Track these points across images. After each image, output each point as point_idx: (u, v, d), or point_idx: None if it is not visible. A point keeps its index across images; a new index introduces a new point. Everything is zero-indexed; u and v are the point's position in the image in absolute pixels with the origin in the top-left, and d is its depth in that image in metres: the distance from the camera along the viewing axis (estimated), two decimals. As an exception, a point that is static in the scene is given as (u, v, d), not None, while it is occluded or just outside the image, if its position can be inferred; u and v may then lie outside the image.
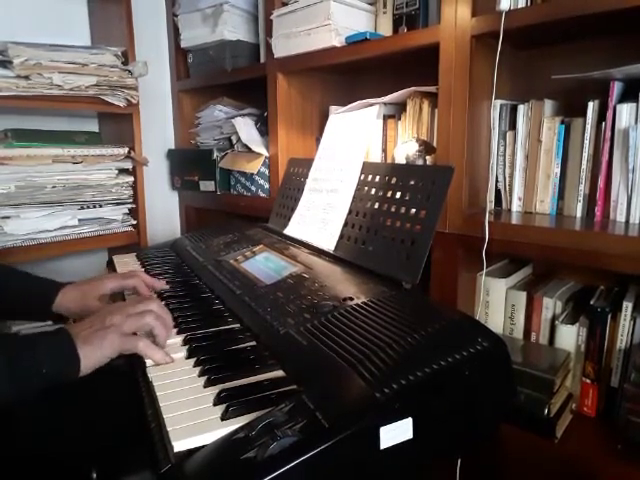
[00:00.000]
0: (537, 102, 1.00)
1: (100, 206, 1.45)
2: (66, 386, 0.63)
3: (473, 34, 0.94)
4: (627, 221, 0.90)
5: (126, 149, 1.46)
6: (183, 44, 1.63)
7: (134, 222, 1.52)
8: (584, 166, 0.95)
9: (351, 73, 1.47)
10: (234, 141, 1.56)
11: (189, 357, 0.67)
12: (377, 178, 0.95)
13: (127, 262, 1.18)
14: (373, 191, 0.95)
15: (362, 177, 1.00)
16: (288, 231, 1.13)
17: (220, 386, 0.59)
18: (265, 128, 1.49)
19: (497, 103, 1.03)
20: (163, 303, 0.84)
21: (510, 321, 1.06)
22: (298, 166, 1.24)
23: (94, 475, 0.69)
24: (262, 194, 1.47)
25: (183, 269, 1.08)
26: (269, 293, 0.81)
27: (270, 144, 1.42)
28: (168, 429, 0.51)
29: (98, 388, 0.86)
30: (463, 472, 0.91)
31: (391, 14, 1.14)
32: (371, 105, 1.15)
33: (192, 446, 0.49)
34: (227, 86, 1.60)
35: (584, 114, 0.93)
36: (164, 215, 1.84)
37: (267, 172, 1.44)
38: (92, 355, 0.65)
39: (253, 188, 1.49)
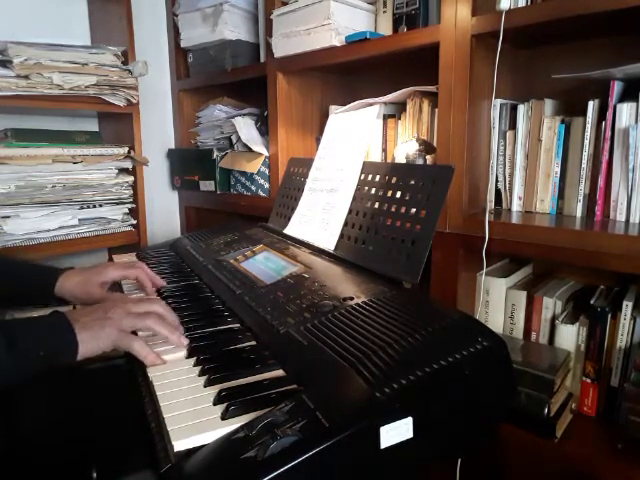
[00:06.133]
0: (537, 102, 1.00)
1: (100, 206, 1.45)
2: (66, 386, 0.63)
3: (473, 34, 0.94)
4: (627, 221, 0.90)
5: (126, 149, 1.46)
6: (183, 44, 1.63)
7: (134, 222, 1.52)
8: (584, 165, 0.95)
9: (351, 73, 1.47)
10: (234, 141, 1.56)
11: (189, 357, 0.67)
12: (377, 178, 0.95)
13: (127, 262, 1.18)
14: (373, 191, 0.95)
15: (362, 177, 1.00)
16: (288, 231, 1.13)
17: (220, 386, 0.59)
18: (265, 128, 1.49)
19: (497, 103, 1.03)
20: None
21: (510, 321, 1.06)
22: (298, 166, 1.24)
23: (94, 475, 0.69)
24: (262, 194, 1.47)
25: (183, 269, 1.08)
26: (269, 293, 0.81)
27: (270, 144, 1.42)
28: (168, 429, 0.51)
29: (98, 388, 0.86)
30: (463, 472, 0.91)
31: (391, 14, 1.14)
32: (371, 105, 1.15)
33: (192, 445, 0.49)
34: (227, 86, 1.60)
35: (584, 114, 0.93)
36: (164, 215, 1.84)
37: (267, 172, 1.44)
38: (89, 342, 0.65)
39: (253, 188, 1.49)
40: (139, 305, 0.72)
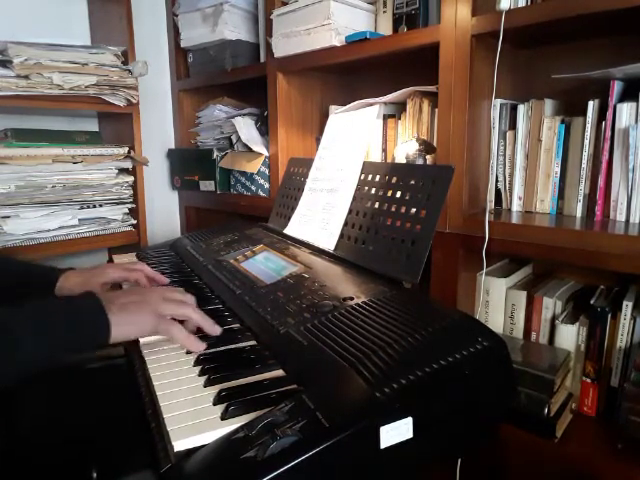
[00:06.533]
0: (537, 101, 1.00)
1: (100, 206, 1.45)
2: (66, 385, 0.63)
3: (473, 34, 0.94)
4: (627, 220, 0.90)
5: (126, 149, 1.46)
6: (183, 44, 1.63)
7: (134, 222, 1.52)
8: (584, 165, 0.95)
9: (351, 73, 1.47)
10: (234, 141, 1.56)
11: (189, 356, 0.67)
12: (377, 178, 0.95)
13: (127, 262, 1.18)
14: (373, 191, 0.95)
15: (362, 177, 1.00)
16: (288, 231, 1.13)
17: (220, 385, 0.59)
18: (265, 128, 1.49)
19: (497, 102, 1.03)
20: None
21: (510, 321, 1.06)
22: (298, 166, 1.24)
23: (94, 475, 0.69)
24: (262, 194, 1.47)
25: (183, 269, 1.08)
26: (269, 293, 0.81)
27: (270, 144, 1.42)
28: (168, 429, 0.51)
29: (98, 388, 0.86)
30: (463, 472, 0.91)
31: (391, 14, 1.14)
32: (371, 105, 1.15)
33: (192, 446, 0.49)
34: (227, 86, 1.60)
35: (584, 113, 0.93)
36: (164, 215, 1.84)
37: (267, 172, 1.44)
38: (124, 325, 0.63)
39: (253, 188, 1.49)
40: (174, 293, 0.72)
